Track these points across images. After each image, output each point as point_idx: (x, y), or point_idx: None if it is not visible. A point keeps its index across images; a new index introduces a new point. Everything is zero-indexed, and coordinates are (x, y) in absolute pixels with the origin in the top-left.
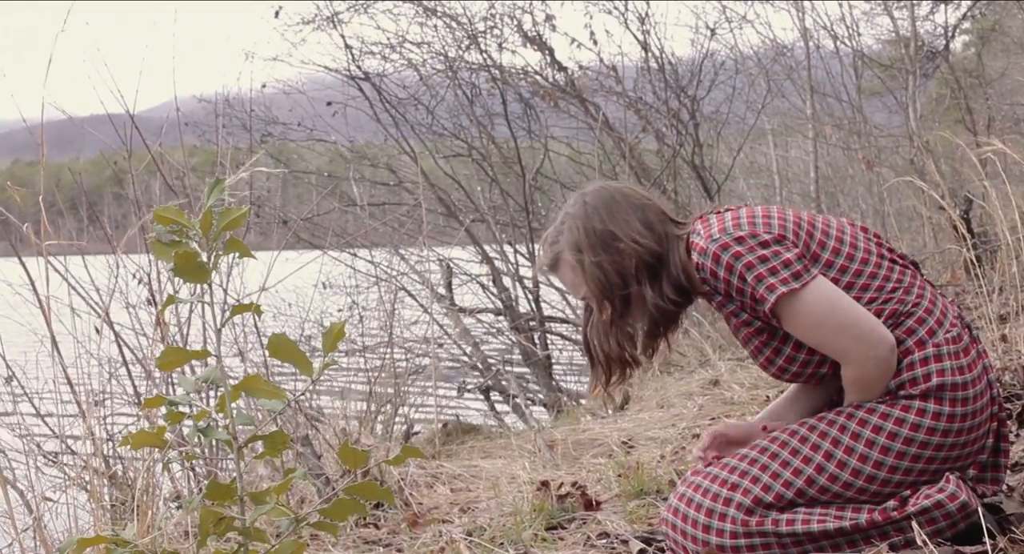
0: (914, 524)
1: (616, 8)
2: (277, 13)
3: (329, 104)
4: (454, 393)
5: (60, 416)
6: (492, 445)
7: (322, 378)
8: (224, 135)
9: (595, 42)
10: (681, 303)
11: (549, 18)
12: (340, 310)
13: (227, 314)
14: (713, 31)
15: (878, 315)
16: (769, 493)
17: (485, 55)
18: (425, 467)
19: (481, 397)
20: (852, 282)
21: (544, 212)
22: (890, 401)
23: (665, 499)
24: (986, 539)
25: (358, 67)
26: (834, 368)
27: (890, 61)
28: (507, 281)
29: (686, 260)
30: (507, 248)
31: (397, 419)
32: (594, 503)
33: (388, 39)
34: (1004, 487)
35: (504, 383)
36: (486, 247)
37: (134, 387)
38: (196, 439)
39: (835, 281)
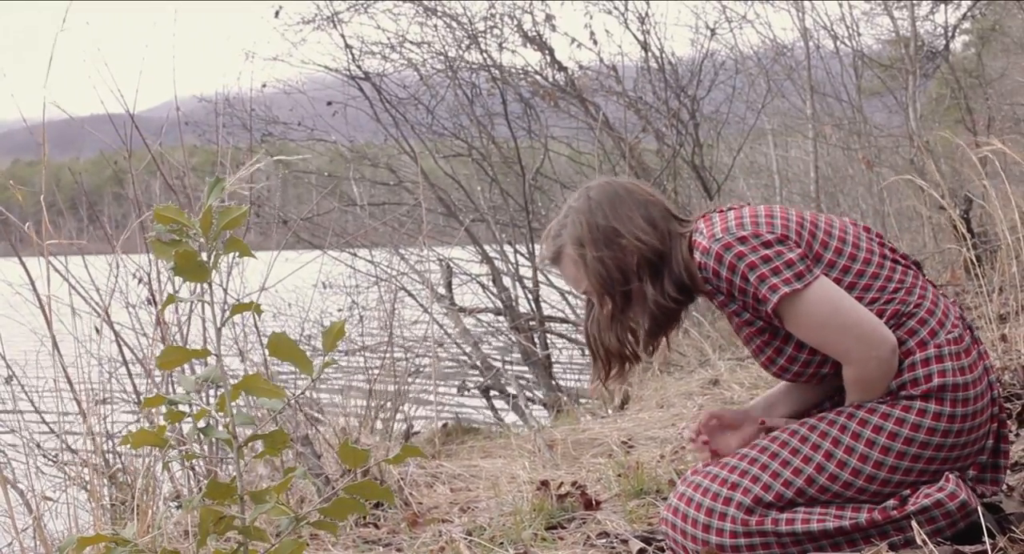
0: (914, 523)
1: (616, 8)
2: (277, 13)
3: (329, 104)
4: (454, 393)
5: (60, 414)
6: (492, 445)
7: (322, 378)
8: (224, 135)
9: (595, 42)
10: (682, 301)
11: (549, 18)
12: (340, 310)
13: (227, 313)
14: (713, 31)
15: (880, 315)
16: (769, 492)
17: (485, 55)
18: (425, 467)
19: (481, 397)
20: (854, 282)
21: (544, 212)
22: (891, 401)
23: (665, 499)
24: (986, 538)
25: (358, 67)
26: (835, 368)
27: (890, 61)
28: (507, 281)
29: (688, 258)
30: (507, 248)
31: (397, 418)
32: (594, 503)
33: (388, 39)
34: (1004, 487)
35: (503, 381)
36: (486, 247)
37: (134, 387)
38: (196, 438)
39: (837, 281)
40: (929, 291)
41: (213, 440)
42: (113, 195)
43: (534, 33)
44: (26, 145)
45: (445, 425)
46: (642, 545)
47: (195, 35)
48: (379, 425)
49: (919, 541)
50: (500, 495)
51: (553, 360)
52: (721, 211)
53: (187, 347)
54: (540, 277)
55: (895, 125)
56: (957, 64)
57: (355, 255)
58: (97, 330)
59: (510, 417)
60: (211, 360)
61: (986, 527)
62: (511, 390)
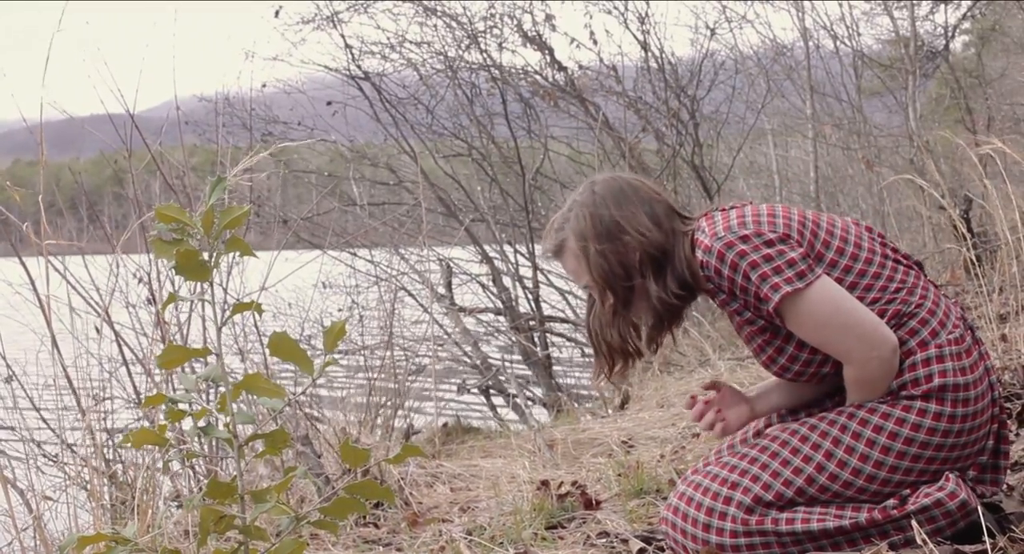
0: (914, 523)
1: (616, 8)
2: (277, 13)
3: (329, 104)
4: (454, 393)
5: (60, 412)
6: (492, 445)
7: (322, 377)
8: (224, 134)
9: (595, 42)
10: (685, 298)
11: (549, 18)
12: (340, 310)
13: (228, 313)
14: (713, 31)
15: (881, 315)
16: (769, 492)
17: (485, 55)
18: (425, 466)
19: (481, 396)
20: (856, 282)
21: (544, 212)
22: (891, 401)
23: (665, 498)
24: (986, 538)
25: (358, 67)
26: (836, 368)
27: (890, 61)
28: (507, 281)
29: (691, 256)
30: (507, 248)
31: (397, 418)
32: (594, 502)
33: (388, 39)
34: (1004, 487)
35: (503, 380)
36: (486, 247)
37: (134, 386)
38: (196, 438)
39: (839, 281)
40: (930, 291)
41: (213, 439)
42: (113, 195)
43: (534, 33)
44: (26, 145)
45: (445, 425)
46: (642, 545)
47: (195, 35)
48: (379, 422)
49: (919, 540)
50: (500, 495)
51: (553, 360)
52: (723, 210)
53: (187, 346)
54: (540, 277)
55: (895, 125)
56: (957, 64)
57: (355, 255)
58: (97, 330)
59: (510, 417)
60: (211, 359)
61: (986, 527)
62: (511, 390)
